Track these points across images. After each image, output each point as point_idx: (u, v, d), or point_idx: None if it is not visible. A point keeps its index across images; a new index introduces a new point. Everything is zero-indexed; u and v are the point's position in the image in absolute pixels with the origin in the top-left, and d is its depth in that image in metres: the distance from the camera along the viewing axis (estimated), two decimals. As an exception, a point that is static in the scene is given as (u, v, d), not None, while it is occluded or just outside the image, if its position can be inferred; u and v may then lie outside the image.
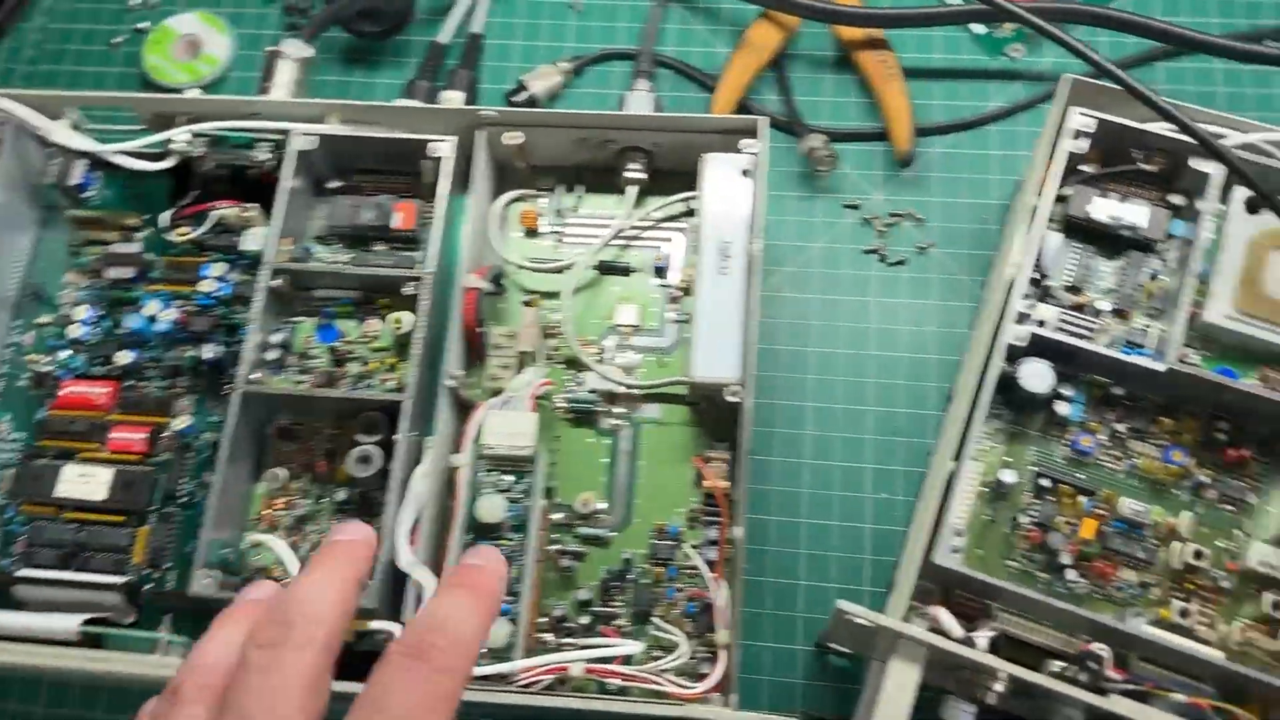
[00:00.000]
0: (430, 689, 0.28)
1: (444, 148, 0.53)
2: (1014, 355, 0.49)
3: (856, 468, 0.57)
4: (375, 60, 0.67)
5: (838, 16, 0.60)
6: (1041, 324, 0.49)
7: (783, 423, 0.58)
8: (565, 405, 0.52)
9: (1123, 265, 0.52)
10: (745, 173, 0.52)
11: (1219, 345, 0.49)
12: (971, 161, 0.62)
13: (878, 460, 0.57)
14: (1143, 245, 0.52)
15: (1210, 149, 0.46)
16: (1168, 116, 0.47)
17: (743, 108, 0.63)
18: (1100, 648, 0.43)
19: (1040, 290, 0.51)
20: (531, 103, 0.63)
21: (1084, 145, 0.51)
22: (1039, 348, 0.49)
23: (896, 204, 0.62)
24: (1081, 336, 0.49)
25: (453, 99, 0.62)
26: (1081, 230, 0.52)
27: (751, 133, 0.52)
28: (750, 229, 0.51)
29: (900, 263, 0.61)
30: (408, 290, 0.51)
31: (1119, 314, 0.51)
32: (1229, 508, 0.48)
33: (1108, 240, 0.52)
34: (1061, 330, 0.49)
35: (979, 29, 0.65)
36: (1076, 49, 0.49)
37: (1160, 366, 0.47)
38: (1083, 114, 0.51)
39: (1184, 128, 0.47)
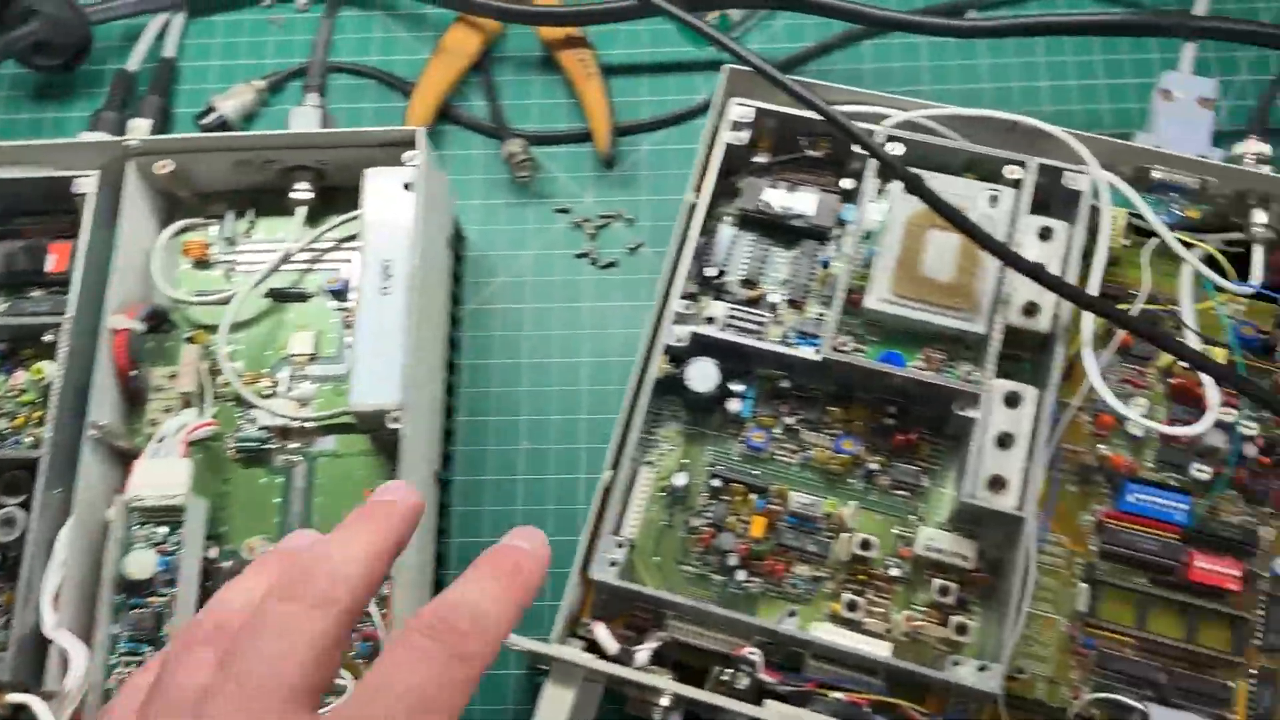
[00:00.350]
0: (444, 674, 0.26)
1: (86, 183, 0.50)
2: (681, 356, 0.47)
3: (571, 479, 0.55)
4: (68, 94, 0.64)
5: (508, 15, 0.59)
6: (711, 320, 0.48)
7: (496, 440, 0.56)
8: (236, 445, 0.50)
9: (797, 255, 0.51)
10: (408, 186, 0.50)
11: (883, 330, 0.48)
12: (679, 156, 0.61)
13: (591, 470, 0.55)
14: (817, 234, 0.51)
15: (841, 129, 0.45)
16: (804, 101, 0.46)
17: (445, 115, 0.61)
18: (752, 651, 0.42)
19: (715, 286, 0.50)
20: (223, 125, 0.61)
21: (744, 136, 0.50)
22: (704, 346, 0.47)
23: (607, 205, 0.60)
24: (750, 331, 0.48)
25: (139, 128, 0.59)
26: (757, 223, 0.51)
27: (412, 143, 0.50)
28: (414, 245, 0.49)
29: (612, 265, 0.59)
30: (48, 338, 0.48)
31: (794, 304, 0.50)
32: (902, 493, 0.47)
33: (784, 231, 0.51)
34: (730, 326, 0.48)
35: (684, 19, 0.63)
36: (711, 35, 0.48)
37: (817, 356, 0.46)
38: (740, 104, 0.50)
39: (818, 110, 0.46)
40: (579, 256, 0.59)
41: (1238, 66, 0.60)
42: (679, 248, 0.49)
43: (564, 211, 0.60)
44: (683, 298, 0.48)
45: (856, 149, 0.49)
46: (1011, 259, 0.44)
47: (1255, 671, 0.44)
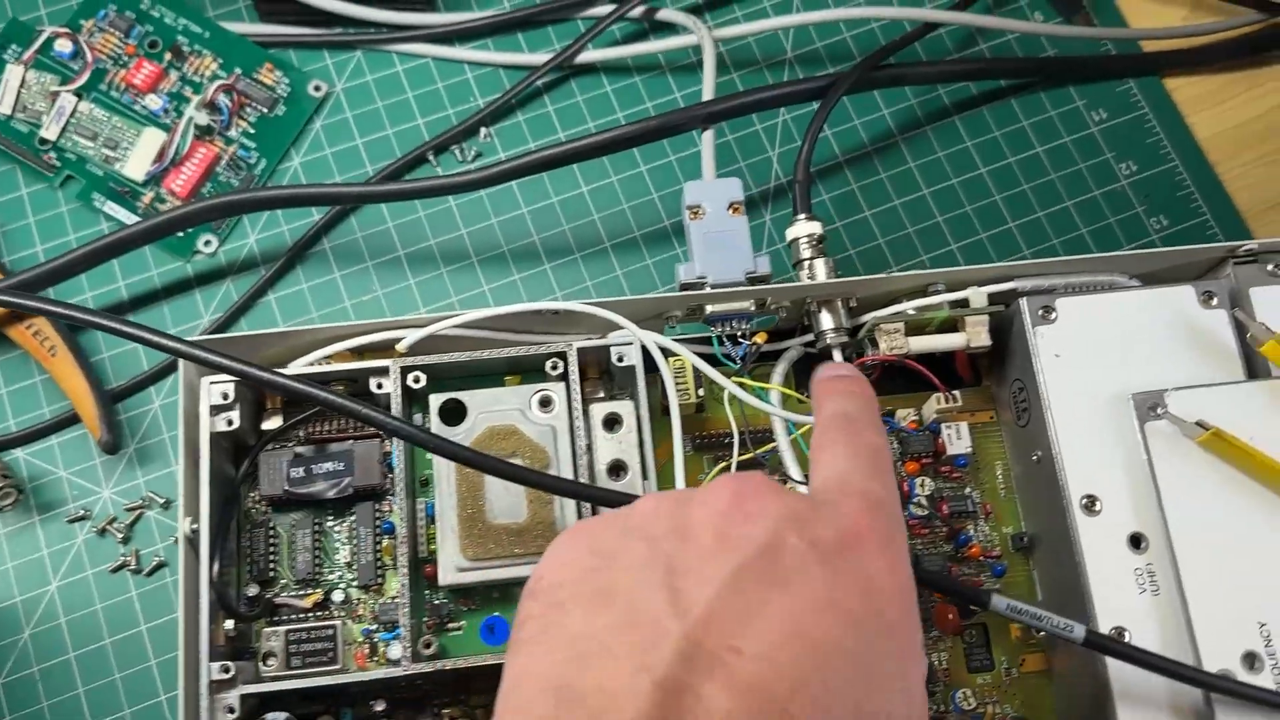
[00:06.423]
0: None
1: None
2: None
3: None
4: None
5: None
6: (269, 658, 0.39)
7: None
8: None
9: (354, 524, 0.42)
10: None
11: (473, 595, 0.40)
12: (201, 405, 0.50)
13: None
14: (370, 494, 0.42)
15: (309, 398, 0.37)
16: (259, 382, 0.36)
17: (-118, 458, 0.48)
18: None
19: (267, 603, 0.40)
20: None
21: (232, 416, 0.40)
22: (267, 702, 0.38)
23: (130, 493, 0.49)
24: (321, 655, 0.39)
25: None
26: (295, 503, 0.42)
27: None
28: None
29: (160, 566, 0.48)
30: None
31: (368, 589, 0.41)
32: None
33: (330, 503, 0.42)
34: (295, 655, 0.39)
35: (153, 237, 0.52)
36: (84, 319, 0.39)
37: (400, 670, 0.38)
38: (214, 382, 0.40)
39: (274, 387, 0.37)
40: (116, 570, 0.48)
41: (760, 143, 0.55)
42: (191, 599, 0.38)
43: (82, 519, 0.48)
44: (215, 658, 0.37)
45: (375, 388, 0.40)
46: (563, 488, 0.37)
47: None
